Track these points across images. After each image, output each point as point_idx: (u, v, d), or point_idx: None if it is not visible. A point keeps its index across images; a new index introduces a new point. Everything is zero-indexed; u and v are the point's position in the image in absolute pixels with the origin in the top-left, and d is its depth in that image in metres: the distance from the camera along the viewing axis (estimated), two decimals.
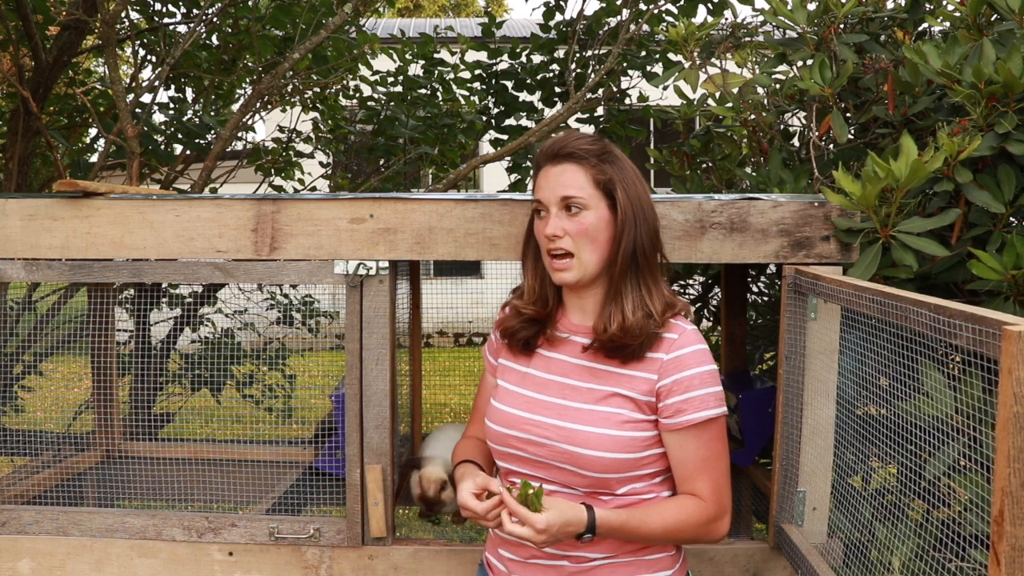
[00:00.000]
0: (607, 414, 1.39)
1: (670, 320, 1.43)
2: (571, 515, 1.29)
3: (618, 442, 1.37)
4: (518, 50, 4.38)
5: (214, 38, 4.36)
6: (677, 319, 1.44)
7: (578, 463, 1.38)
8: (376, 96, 4.50)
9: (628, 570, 1.41)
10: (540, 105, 4.37)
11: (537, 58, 4.36)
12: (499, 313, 1.60)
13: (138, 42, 4.21)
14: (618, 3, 4.01)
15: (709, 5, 3.96)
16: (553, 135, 3.52)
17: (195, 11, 4.11)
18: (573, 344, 1.47)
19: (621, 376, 1.41)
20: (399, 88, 4.42)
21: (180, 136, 3.99)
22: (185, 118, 3.98)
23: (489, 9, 20.68)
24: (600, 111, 4.35)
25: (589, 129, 4.38)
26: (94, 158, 4.07)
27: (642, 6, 3.91)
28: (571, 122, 4.16)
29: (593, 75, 3.96)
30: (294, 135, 4.59)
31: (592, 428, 1.38)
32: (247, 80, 4.54)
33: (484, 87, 4.45)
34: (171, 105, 4.27)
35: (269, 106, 4.12)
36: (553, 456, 1.40)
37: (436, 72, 4.47)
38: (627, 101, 4.26)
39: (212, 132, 3.98)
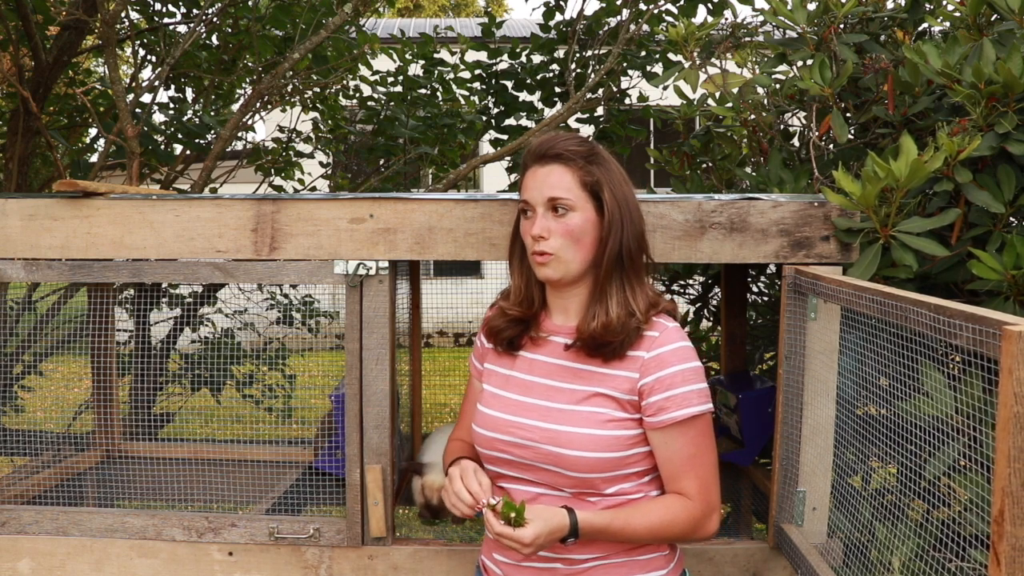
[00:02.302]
0: (589, 414, 1.39)
1: (653, 318, 1.43)
2: (555, 522, 1.30)
3: (601, 441, 1.37)
4: (518, 50, 4.37)
5: (214, 38, 4.36)
6: (660, 317, 1.44)
7: (562, 464, 1.38)
8: (376, 96, 4.49)
9: (621, 571, 1.41)
10: (540, 105, 4.36)
11: (537, 58, 4.36)
12: (486, 315, 1.59)
13: (138, 42, 4.21)
14: (618, 3, 4.01)
15: (709, 5, 3.96)
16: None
17: (195, 11, 4.11)
18: (554, 345, 1.47)
19: (603, 376, 1.41)
20: (399, 88, 4.42)
21: (180, 136, 3.98)
22: (185, 118, 3.98)
23: (489, 9, 20.68)
24: (600, 111, 4.35)
25: (589, 129, 4.37)
26: (94, 158, 4.07)
27: (642, 6, 3.91)
28: (571, 122, 4.16)
29: (593, 75, 3.96)
30: (294, 135, 4.59)
31: (575, 428, 1.38)
32: (247, 80, 4.54)
33: (484, 87, 4.45)
34: (171, 105, 4.27)
35: (269, 106, 4.11)
36: (538, 458, 1.40)
37: (436, 72, 4.46)
38: (627, 101, 4.26)
39: (212, 132, 3.97)
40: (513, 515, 1.27)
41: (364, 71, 4.43)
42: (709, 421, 1.42)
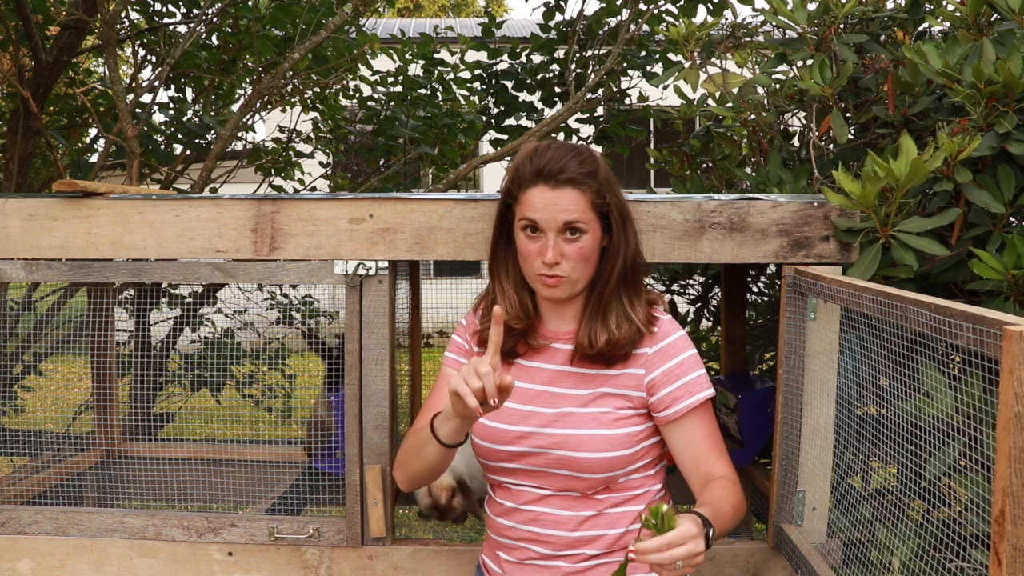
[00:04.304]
0: (597, 414, 1.40)
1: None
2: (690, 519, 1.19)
3: (611, 440, 1.38)
4: (518, 50, 4.37)
5: (214, 38, 4.36)
6: (654, 311, 1.47)
7: (575, 467, 1.38)
8: (376, 96, 4.49)
9: None
10: (540, 105, 4.36)
11: (537, 58, 4.36)
12: (470, 318, 1.57)
13: (138, 42, 4.21)
14: (618, 3, 4.01)
15: (709, 5, 3.95)
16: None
17: (195, 11, 4.11)
18: (554, 351, 1.47)
19: (608, 376, 1.42)
20: (399, 88, 4.42)
21: (180, 136, 3.98)
22: (185, 118, 3.98)
23: (489, 9, 20.67)
24: (600, 111, 4.35)
25: (589, 129, 4.37)
26: (94, 158, 4.07)
27: (642, 6, 3.91)
28: (571, 122, 4.16)
29: (593, 75, 3.96)
30: (294, 135, 4.58)
31: (584, 430, 1.38)
32: (247, 80, 4.54)
33: (484, 87, 4.45)
34: (171, 105, 4.27)
35: (269, 106, 4.11)
36: (549, 464, 1.40)
37: (436, 72, 4.46)
38: (627, 101, 4.26)
39: (212, 132, 3.97)
40: (662, 514, 1.13)
41: (364, 71, 4.43)
42: (712, 404, 1.46)
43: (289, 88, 4.28)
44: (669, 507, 1.15)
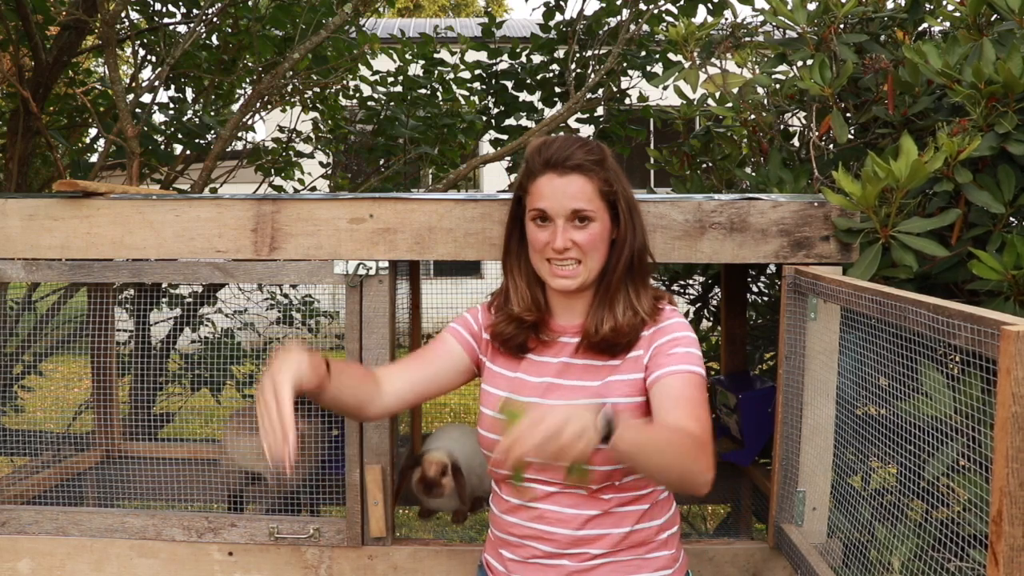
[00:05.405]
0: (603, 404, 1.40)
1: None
2: (567, 409, 1.14)
3: None
4: (518, 50, 4.37)
5: (214, 38, 4.36)
6: (659, 303, 1.49)
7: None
8: (376, 96, 4.49)
9: (628, 569, 1.41)
10: (540, 105, 4.36)
11: (537, 58, 4.36)
12: (484, 308, 1.57)
13: (138, 42, 4.21)
14: (618, 3, 4.01)
15: (709, 5, 3.96)
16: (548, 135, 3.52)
17: (195, 11, 4.11)
18: (562, 345, 1.48)
19: (614, 366, 1.44)
20: (399, 88, 4.42)
21: (180, 136, 3.98)
22: (185, 118, 3.98)
23: (489, 9, 20.66)
24: (600, 111, 4.35)
25: (589, 129, 4.37)
26: (94, 158, 4.07)
27: (642, 6, 3.91)
28: (571, 122, 4.16)
29: (593, 75, 3.96)
30: (294, 135, 4.59)
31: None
32: (247, 80, 4.54)
33: (484, 87, 4.45)
34: (171, 105, 4.27)
35: (269, 106, 4.11)
36: None
37: (436, 72, 4.47)
38: (627, 101, 4.26)
39: (212, 132, 3.97)
40: (507, 415, 1.12)
41: (364, 71, 4.43)
42: (704, 384, 1.40)
43: (289, 88, 4.28)
44: (513, 399, 1.11)
